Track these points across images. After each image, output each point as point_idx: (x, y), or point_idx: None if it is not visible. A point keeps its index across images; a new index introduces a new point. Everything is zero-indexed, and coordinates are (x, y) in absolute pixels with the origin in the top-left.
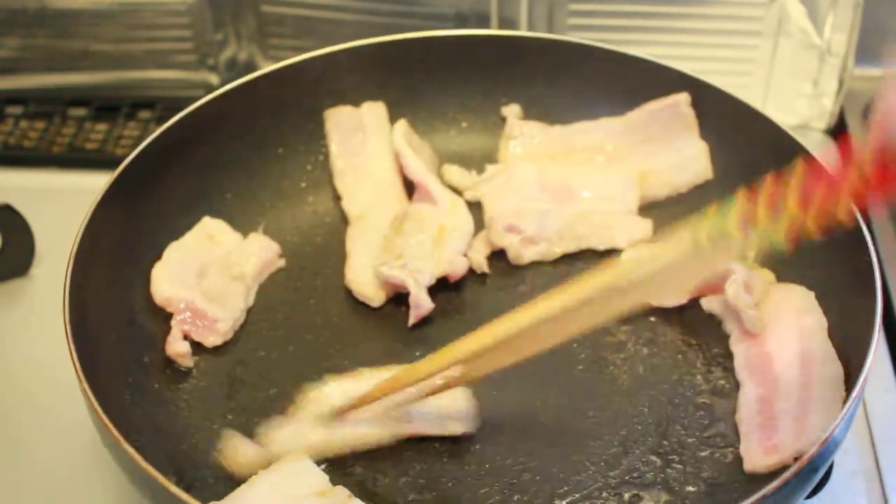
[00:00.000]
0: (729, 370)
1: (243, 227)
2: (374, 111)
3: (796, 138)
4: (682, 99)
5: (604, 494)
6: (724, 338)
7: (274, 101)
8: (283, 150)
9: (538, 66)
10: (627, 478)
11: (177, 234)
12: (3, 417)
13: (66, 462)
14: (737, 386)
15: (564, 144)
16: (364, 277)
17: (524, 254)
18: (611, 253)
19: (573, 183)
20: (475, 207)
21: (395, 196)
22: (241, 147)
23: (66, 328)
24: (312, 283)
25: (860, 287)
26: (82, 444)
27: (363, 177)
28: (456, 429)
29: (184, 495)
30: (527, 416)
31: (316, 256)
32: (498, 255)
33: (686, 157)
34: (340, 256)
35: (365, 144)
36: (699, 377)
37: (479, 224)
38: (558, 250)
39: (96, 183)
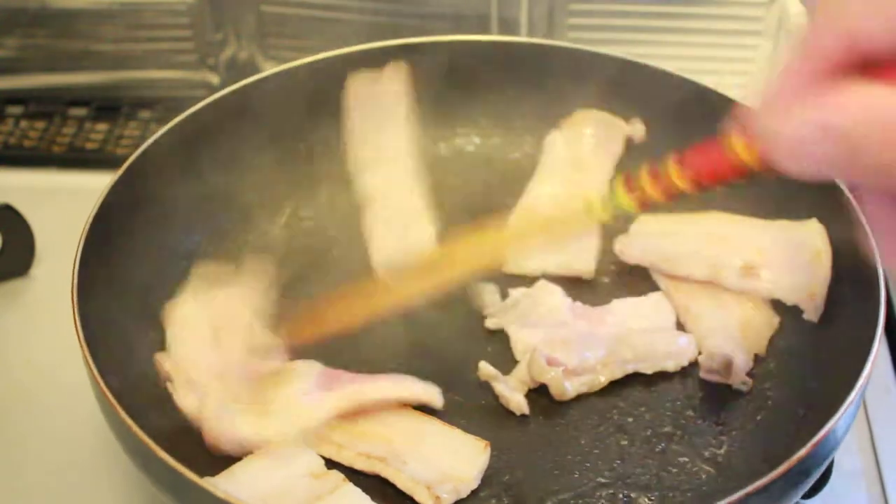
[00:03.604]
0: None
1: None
2: (396, 80)
3: None
4: None
5: (597, 494)
6: None
7: (295, 98)
8: (303, 145)
9: (542, 73)
10: (621, 478)
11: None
12: (4, 417)
13: (68, 461)
14: (737, 391)
15: None
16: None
17: (568, 388)
18: (659, 376)
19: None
20: (498, 338)
21: (412, 176)
22: (260, 142)
23: (73, 305)
24: (322, 281)
25: (862, 288)
26: (84, 443)
27: (380, 156)
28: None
29: (180, 467)
30: (522, 414)
31: (323, 256)
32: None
33: None
34: (352, 257)
35: (384, 122)
36: (698, 380)
37: (501, 357)
38: (603, 379)
39: (96, 183)
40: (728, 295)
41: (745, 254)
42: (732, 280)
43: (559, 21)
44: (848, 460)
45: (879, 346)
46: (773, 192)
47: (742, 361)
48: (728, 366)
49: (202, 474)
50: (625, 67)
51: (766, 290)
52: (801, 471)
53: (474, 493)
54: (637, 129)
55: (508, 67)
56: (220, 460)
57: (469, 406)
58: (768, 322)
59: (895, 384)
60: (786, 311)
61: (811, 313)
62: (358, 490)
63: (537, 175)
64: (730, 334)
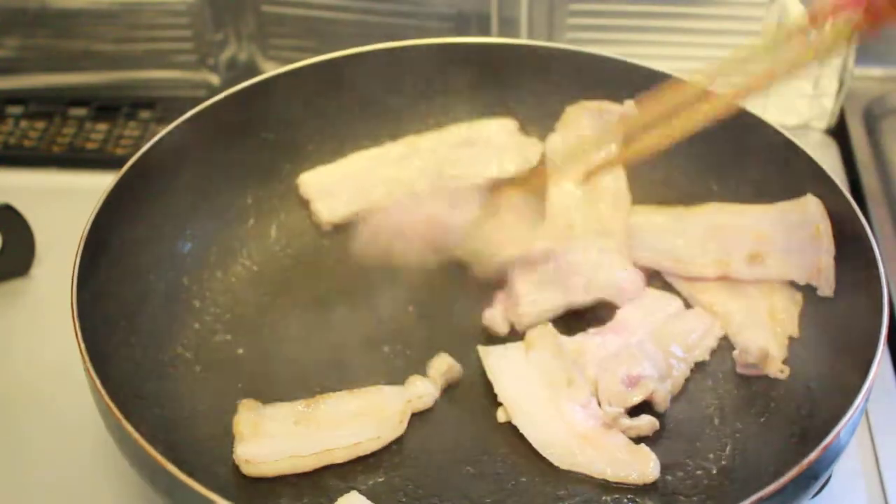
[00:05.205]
0: (733, 383)
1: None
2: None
3: (795, 142)
4: None
5: (602, 498)
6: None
7: (296, 99)
8: (311, 146)
9: (539, 74)
10: (626, 482)
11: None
12: (5, 417)
13: (70, 460)
14: (741, 394)
15: None
16: None
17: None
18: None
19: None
20: None
21: None
22: (262, 143)
23: (72, 305)
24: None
25: (865, 295)
26: (86, 442)
27: None
28: None
29: (173, 468)
30: None
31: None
32: None
33: None
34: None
35: None
36: (701, 387)
37: None
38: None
39: (96, 183)
40: (749, 285)
41: (749, 243)
42: (743, 271)
43: (559, 21)
44: (848, 460)
45: (884, 347)
46: (764, 177)
47: (777, 350)
48: (764, 357)
49: (197, 474)
50: (618, 68)
51: (777, 274)
52: (811, 475)
53: (479, 497)
54: (629, 107)
55: (507, 68)
56: (215, 460)
57: (469, 407)
58: (793, 300)
59: (895, 385)
60: None
61: (824, 288)
62: (362, 497)
63: (551, 180)
64: (760, 325)
